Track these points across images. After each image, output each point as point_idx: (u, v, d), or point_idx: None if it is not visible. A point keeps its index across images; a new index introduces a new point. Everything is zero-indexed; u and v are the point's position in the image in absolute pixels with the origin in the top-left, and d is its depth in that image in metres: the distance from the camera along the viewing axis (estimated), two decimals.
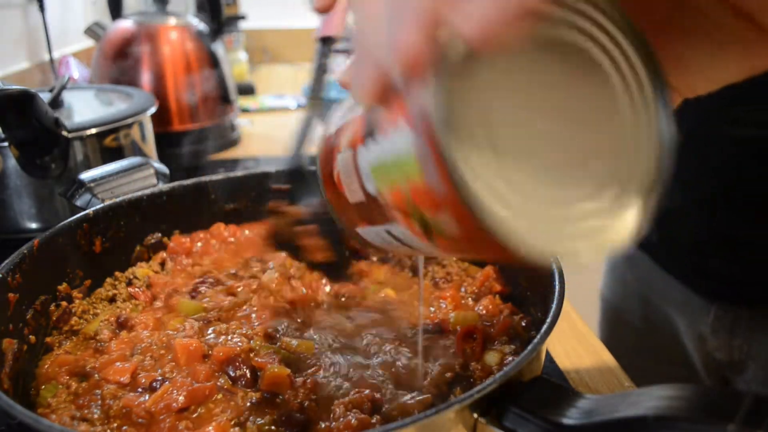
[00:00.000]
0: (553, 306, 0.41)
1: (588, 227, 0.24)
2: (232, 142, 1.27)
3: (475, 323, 0.50)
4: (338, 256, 0.52)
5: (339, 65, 1.85)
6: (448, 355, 0.48)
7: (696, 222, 0.75)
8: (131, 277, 0.58)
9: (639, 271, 0.89)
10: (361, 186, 0.29)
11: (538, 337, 0.37)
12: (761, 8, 0.27)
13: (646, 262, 0.85)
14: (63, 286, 0.51)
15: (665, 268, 0.82)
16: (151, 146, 0.88)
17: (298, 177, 0.56)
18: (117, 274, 0.58)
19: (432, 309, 0.54)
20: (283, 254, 0.59)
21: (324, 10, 0.51)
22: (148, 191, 0.59)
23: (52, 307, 0.50)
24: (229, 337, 0.48)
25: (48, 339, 0.49)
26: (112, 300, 0.55)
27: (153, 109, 0.86)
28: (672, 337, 0.84)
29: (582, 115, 0.25)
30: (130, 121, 0.80)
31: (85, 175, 0.58)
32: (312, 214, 0.53)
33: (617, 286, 0.98)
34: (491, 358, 0.46)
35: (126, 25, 1.14)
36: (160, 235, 0.62)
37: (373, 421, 0.39)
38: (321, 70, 0.58)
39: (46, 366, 0.46)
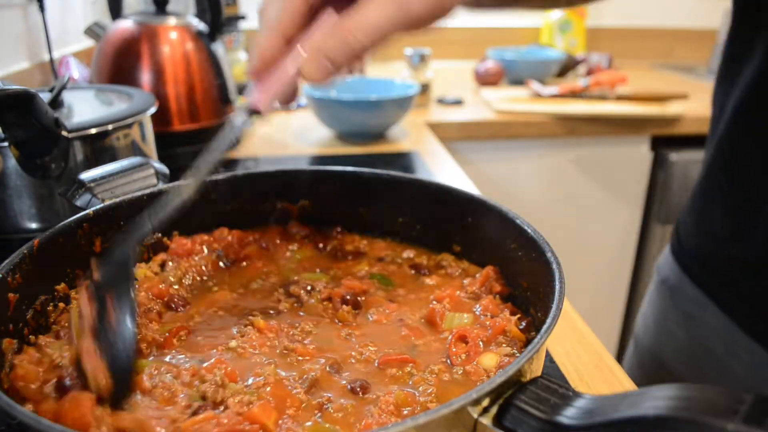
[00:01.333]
0: (553, 306, 0.41)
1: None
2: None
3: (465, 327, 0.49)
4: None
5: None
6: (440, 358, 0.48)
7: None
8: None
9: (698, 328, 0.79)
10: None
11: (538, 337, 0.37)
12: None
13: (712, 314, 0.76)
14: (61, 286, 0.51)
15: (737, 320, 0.73)
16: (151, 146, 0.88)
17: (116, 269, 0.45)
18: None
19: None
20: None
21: (257, 76, 0.45)
22: (148, 191, 0.59)
23: (50, 308, 0.50)
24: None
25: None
26: None
27: (153, 109, 0.86)
28: None
29: None
30: (130, 121, 0.80)
31: (85, 175, 0.58)
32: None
33: (662, 338, 0.88)
34: (488, 360, 0.45)
35: (126, 25, 1.14)
36: (160, 235, 0.62)
37: None
38: (225, 144, 0.48)
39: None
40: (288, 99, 0.47)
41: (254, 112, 0.47)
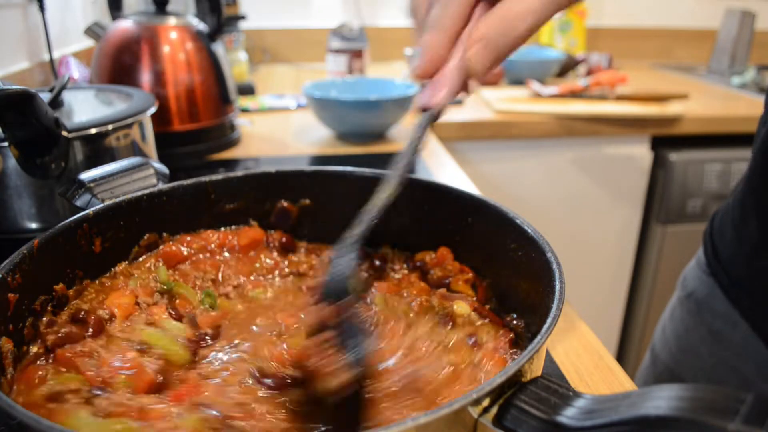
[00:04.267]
0: (553, 306, 0.41)
1: None
2: (232, 142, 1.27)
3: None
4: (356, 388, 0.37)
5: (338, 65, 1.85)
6: None
7: None
8: None
9: (725, 347, 0.75)
10: None
11: (539, 337, 0.37)
12: None
13: (742, 332, 0.71)
14: (60, 287, 0.51)
15: (766, 340, 0.68)
16: (151, 146, 0.88)
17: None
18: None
19: None
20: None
21: (426, 77, 0.47)
22: (148, 191, 0.59)
23: (49, 308, 0.50)
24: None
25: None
26: None
27: (153, 109, 0.86)
28: None
29: None
30: (130, 121, 0.80)
31: (85, 175, 0.58)
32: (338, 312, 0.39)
33: (684, 354, 0.83)
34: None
35: (126, 25, 1.14)
36: (148, 235, 0.62)
37: None
38: (413, 146, 0.48)
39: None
40: (457, 93, 0.48)
41: (426, 110, 0.48)
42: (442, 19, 0.44)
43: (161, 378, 0.43)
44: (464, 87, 0.47)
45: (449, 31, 0.44)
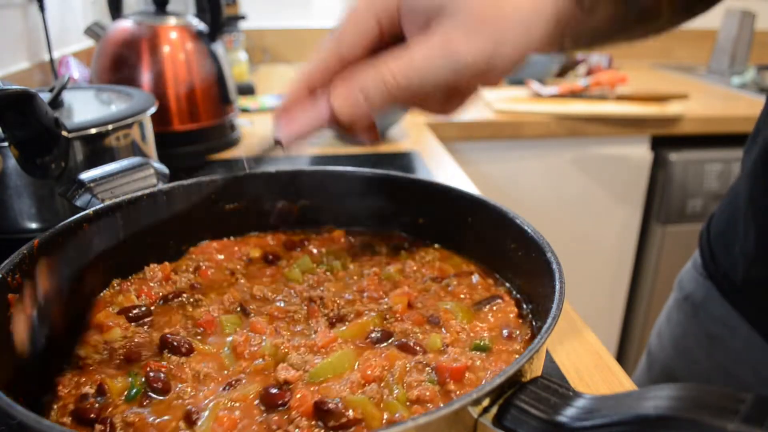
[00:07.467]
0: (553, 306, 0.41)
1: None
2: (232, 142, 1.27)
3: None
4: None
5: None
6: None
7: None
8: None
9: (722, 350, 0.74)
10: None
11: (538, 337, 0.37)
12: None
13: (741, 335, 0.70)
14: None
15: None
16: (151, 146, 0.88)
17: None
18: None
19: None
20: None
21: (282, 115, 0.46)
22: (148, 191, 0.59)
23: None
24: None
25: None
26: None
27: (153, 109, 0.86)
28: None
29: None
30: (130, 121, 0.80)
31: (85, 175, 0.58)
32: None
33: (679, 357, 0.82)
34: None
35: (126, 25, 1.14)
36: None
37: None
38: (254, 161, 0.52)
39: None
40: (308, 134, 0.47)
41: (278, 142, 0.48)
42: (304, 71, 0.44)
43: None
44: (348, 130, 0.46)
45: (306, 83, 0.44)
